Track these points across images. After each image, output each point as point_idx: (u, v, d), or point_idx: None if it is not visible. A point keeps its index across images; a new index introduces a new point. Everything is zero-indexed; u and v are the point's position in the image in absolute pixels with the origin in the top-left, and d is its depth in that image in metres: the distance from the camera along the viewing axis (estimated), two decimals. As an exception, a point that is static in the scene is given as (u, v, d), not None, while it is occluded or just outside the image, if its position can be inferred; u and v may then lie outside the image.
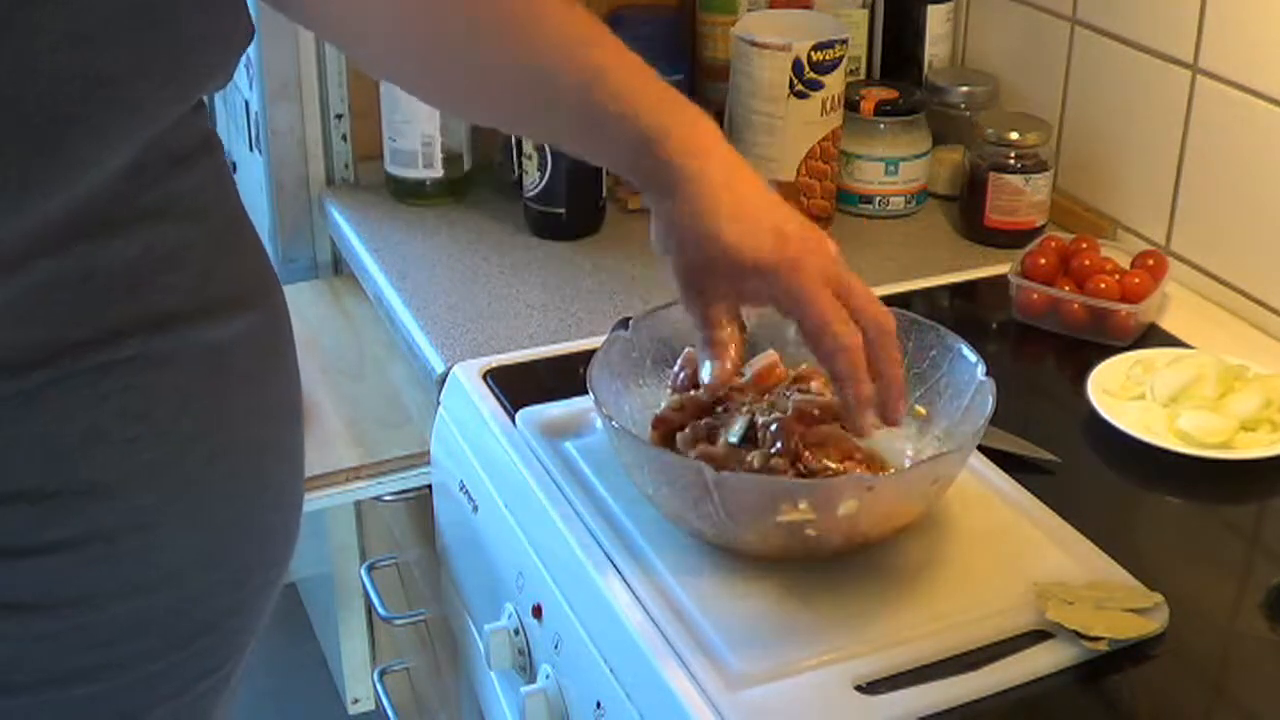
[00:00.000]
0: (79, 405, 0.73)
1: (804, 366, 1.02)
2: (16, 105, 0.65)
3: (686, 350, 1.02)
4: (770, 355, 1.03)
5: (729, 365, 0.92)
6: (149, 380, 0.75)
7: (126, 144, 0.71)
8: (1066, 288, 1.30)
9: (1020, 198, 1.46)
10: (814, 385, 1.00)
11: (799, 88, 1.45)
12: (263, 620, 0.88)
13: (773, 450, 0.94)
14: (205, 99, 0.81)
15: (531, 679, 1.06)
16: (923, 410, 1.03)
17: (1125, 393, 1.17)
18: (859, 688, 0.86)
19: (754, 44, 1.46)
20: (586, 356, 1.01)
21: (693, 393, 1.00)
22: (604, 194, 1.52)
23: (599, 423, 1.05)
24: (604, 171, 1.52)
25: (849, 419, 0.91)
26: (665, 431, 0.99)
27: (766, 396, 1.00)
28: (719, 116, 1.57)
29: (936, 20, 1.65)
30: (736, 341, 0.93)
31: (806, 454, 0.94)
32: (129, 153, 0.71)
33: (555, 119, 0.94)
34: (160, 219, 0.74)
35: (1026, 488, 1.04)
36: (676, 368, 1.02)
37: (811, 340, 0.88)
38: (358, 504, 1.72)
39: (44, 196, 0.68)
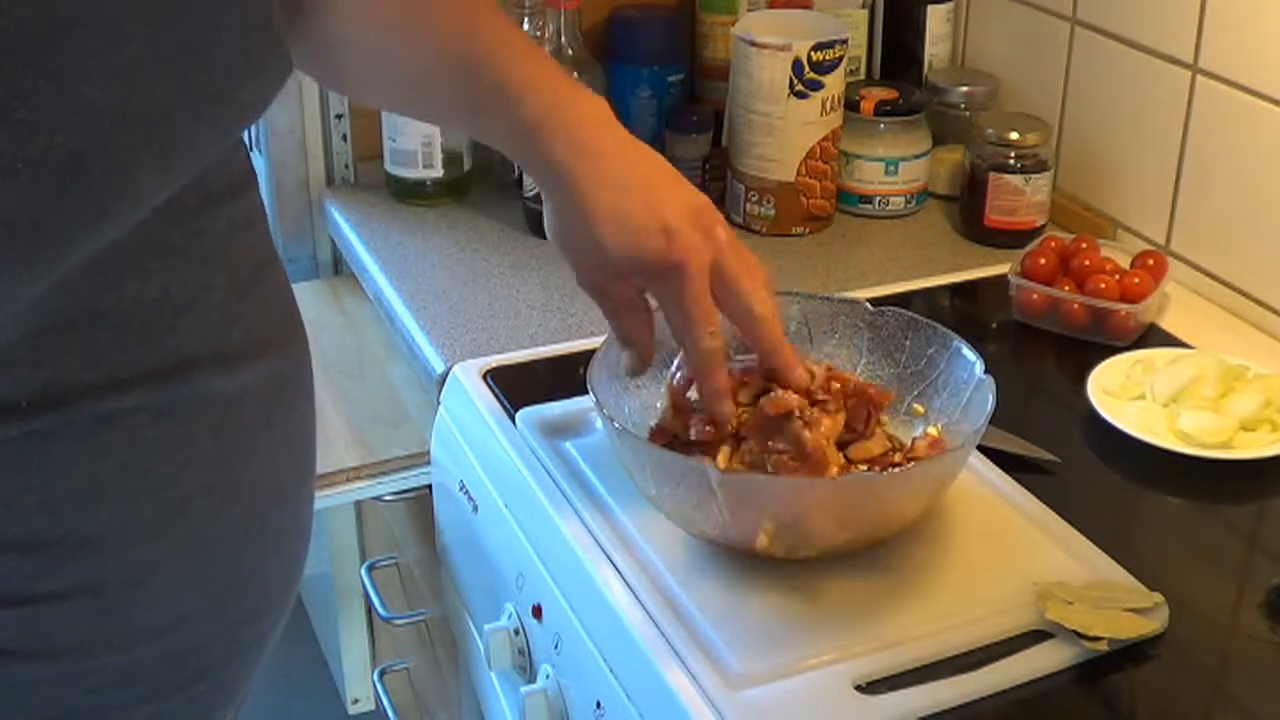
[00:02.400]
0: (80, 457, 0.70)
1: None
2: (55, 144, 0.62)
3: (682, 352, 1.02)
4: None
5: (642, 354, 0.95)
6: (154, 434, 0.72)
7: (164, 181, 0.68)
8: (1066, 288, 1.30)
9: (1020, 198, 1.46)
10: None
11: (799, 88, 1.45)
12: (259, 665, 0.85)
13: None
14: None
15: (531, 679, 1.06)
16: (920, 408, 1.03)
17: (1125, 393, 1.17)
18: (859, 688, 0.86)
19: (754, 44, 1.46)
20: (586, 356, 1.01)
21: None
22: (604, 194, 1.52)
23: (599, 423, 1.05)
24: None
25: (710, 407, 0.93)
26: (665, 442, 0.99)
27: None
28: (718, 116, 1.58)
29: (936, 20, 1.65)
30: (642, 324, 0.95)
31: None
32: (166, 190, 0.68)
33: (440, 105, 0.94)
34: (185, 260, 0.72)
35: (1026, 488, 1.04)
36: (674, 367, 1.02)
37: (676, 333, 0.92)
38: (358, 504, 1.72)
39: (75, 235, 0.65)
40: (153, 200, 0.68)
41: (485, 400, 1.18)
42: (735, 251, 0.91)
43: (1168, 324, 1.32)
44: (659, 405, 1.02)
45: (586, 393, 0.98)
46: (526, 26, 1.60)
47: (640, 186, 0.89)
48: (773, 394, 0.94)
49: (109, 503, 0.72)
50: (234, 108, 0.72)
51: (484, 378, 1.21)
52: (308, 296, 1.63)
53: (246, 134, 0.80)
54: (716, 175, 1.54)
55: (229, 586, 0.79)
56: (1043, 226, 1.48)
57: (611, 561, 0.97)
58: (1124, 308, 1.27)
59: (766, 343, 0.93)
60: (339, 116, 1.63)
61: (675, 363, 1.02)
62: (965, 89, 1.60)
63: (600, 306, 0.96)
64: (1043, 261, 1.33)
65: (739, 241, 0.92)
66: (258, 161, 1.67)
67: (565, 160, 0.88)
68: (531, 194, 1.49)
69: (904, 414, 1.04)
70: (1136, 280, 1.29)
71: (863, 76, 1.67)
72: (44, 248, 0.64)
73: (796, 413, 0.92)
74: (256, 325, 0.78)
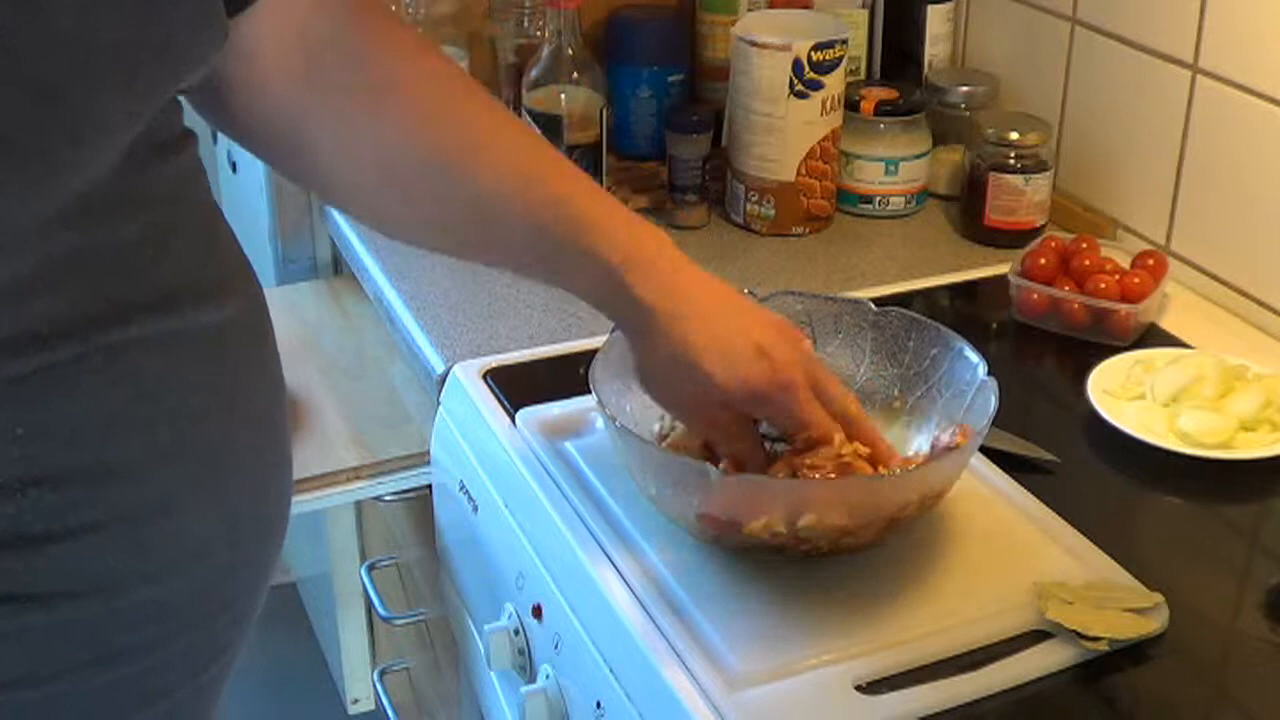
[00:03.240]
0: (99, 386, 0.74)
1: None
2: (38, 76, 0.67)
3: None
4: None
5: (757, 470, 0.96)
6: (157, 362, 0.77)
7: (132, 112, 0.73)
8: (1066, 288, 1.30)
9: (1020, 198, 1.46)
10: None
11: (799, 88, 1.45)
12: (262, 599, 0.89)
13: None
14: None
15: (531, 679, 1.06)
16: (898, 404, 1.04)
17: (1125, 393, 1.17)
18: (859, 688, 0.86)
19: (754, 44, 1.46)
20: (586, 356, 1.01)
21: None
22: (604, 194, 1.52)
23: (599, 422, 1.05)
24: (604, 171, 1.52)
25: None
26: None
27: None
28: (718, 116, 1.58)
29: (936, 20, 1.65)
30: (754, 443, 0.96)
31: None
32: (128, 133, 0.73)
33: (512, 252, 0.95)
34: (152, 203, 0.77)
35: (1026, 488, 1.04)
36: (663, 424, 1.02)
37: (799, 439, 0.94)
38: (358, 504, 1.72)
39: (55, 159, 0.69)
40: (122, 133, 0.73)
41: (485, 400, 1.18)
42: (816, 359, 0.97)
43: (1168, 324, 1.32)
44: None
45: (587, 393, 0.98)
46: (526, 26, 1.60)
47: (728, 316, 0.92)
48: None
49: (128, 431, 0.76)
50: (185, 56, 0.76)
51: (484, 378, 1.21)
52: (308, 296, 1.63)
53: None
54: (716, 175, 1.54)
55: (241, 513, 0.84)
56: (1043, 226, 1.48)
57: (611, 561, 0.97)
58: (1124, 308, 1.27)
59: (867, 437, 0.95)
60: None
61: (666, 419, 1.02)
62: (965, 89, 1.60)
63: (706, 436, 0.98)
64: (1043, 261, 1.33)
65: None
66: (257, 164, 1.67)
67: (656, 302, 0.90)
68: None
69: (907, 414, 1.04)
70: (1136, 280, 1.29)
71: (863, 76, 1.67)
72: (27, 168, 0.68)
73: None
74: (224, 265, 0.84)
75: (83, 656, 0.77)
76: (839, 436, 0.94)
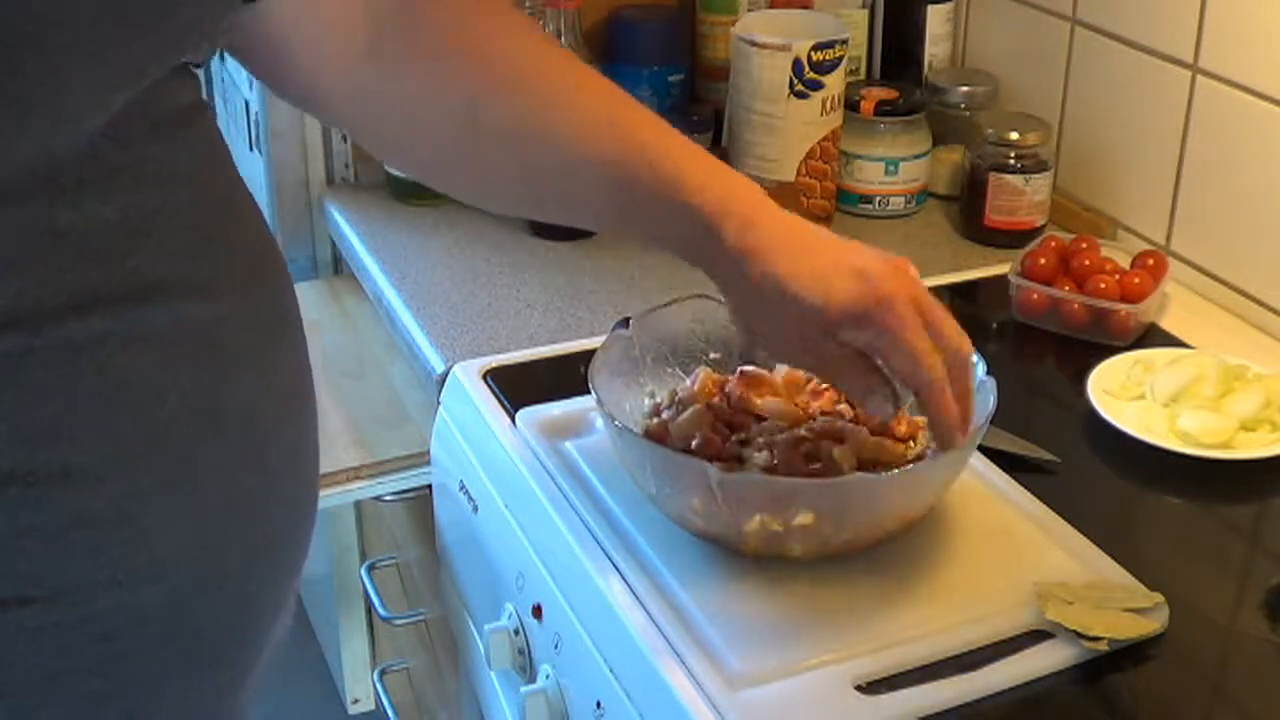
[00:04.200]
0: (51, 382, 0.69)
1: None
2: None
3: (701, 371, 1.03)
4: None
5: (887, 395, 0.91)
6: (125, 359, 0.71)
7: (98, 90, 0.68)
8: (1066, 288, 1.30)
9: (1020, 198, 1.46)
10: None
11: (799, 88, 1.45)
12: (277, 620, 0.84)
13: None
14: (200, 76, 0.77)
15: (531, 679, 1.06)
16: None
17: (1125, 393, 1.17)
18: (859, 688, 0.86)
19: (754, 44, 1.46)
20: (586, 356, 1.01)
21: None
22: (604, 194, 1.52)
23: (599, 422, 1.05)
24: (604, 171, 1.52)
25: (937, 437, 0.92)
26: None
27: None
28: (718, 116, 1.58)
29: (936, 20, 1.65)
30: (869, 371, 0.90)
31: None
32: (103, 109, 0.68)
33: (595, 206, 0.92)
34: (140, 183, 0.71)
35: (1026, 488, 1.04)
36: (691, 381, 1.02)
37: (903, 373, 0.89)
38: (358, 504, 1.72)
39: (7, 129, 0.65)
40: (89, 111, 0.68)
41: (485, 400, 1.18)
42: (925, 290, 0.90)
43: (1168, 324, 1.32)
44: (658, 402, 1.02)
45: (586, 393, 0.98)
46: (526, 26, 1.60)
47: (822, 249, 0.89)
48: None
49: (86, 431, 0.70)
50: (170, 27, 0.71)
51: (484, 378, 1.21)
52: (308, 296, 1.63)
53: (240, 127, 0.80)
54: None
55: (229, 526, 0.78)
56: (1043, 226, 1.48)
57: (611, 561, 0.97)
58: (1124, 308, 1.27)
59: (963, 389, 0.90)
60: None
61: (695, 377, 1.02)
62: (965, 89, 1.60)
63: (822, 376, 0.94)
64: (1043, 261, 1.33)
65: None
66: (257, 161, 1.67)
67: (744, 244, 0.87)
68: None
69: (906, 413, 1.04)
70: (1136, 280, 1.29)
71: (863, 76, 1.67)
72: None
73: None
74: (229, 253, 0.77)
75: (51, 666, 0.73)
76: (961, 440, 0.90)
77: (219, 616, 0.80)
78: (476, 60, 0.88)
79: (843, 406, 1.01)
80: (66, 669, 0.74)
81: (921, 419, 1.00)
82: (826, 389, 1.02)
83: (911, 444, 0.99)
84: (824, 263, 0.88)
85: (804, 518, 0.90)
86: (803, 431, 0.97)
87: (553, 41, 0.91)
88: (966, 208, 1.51)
